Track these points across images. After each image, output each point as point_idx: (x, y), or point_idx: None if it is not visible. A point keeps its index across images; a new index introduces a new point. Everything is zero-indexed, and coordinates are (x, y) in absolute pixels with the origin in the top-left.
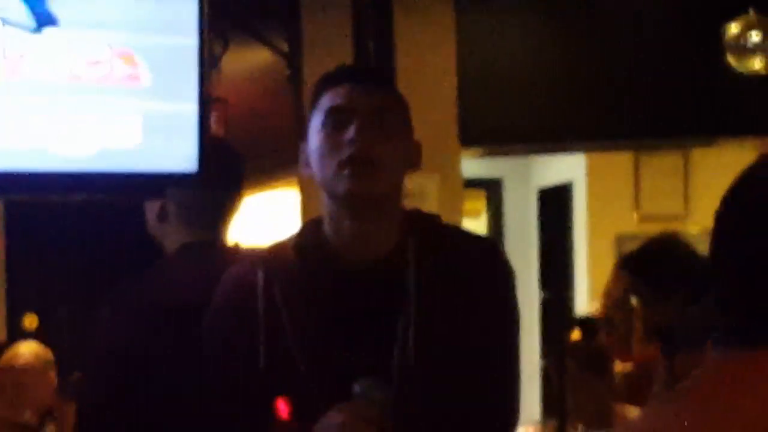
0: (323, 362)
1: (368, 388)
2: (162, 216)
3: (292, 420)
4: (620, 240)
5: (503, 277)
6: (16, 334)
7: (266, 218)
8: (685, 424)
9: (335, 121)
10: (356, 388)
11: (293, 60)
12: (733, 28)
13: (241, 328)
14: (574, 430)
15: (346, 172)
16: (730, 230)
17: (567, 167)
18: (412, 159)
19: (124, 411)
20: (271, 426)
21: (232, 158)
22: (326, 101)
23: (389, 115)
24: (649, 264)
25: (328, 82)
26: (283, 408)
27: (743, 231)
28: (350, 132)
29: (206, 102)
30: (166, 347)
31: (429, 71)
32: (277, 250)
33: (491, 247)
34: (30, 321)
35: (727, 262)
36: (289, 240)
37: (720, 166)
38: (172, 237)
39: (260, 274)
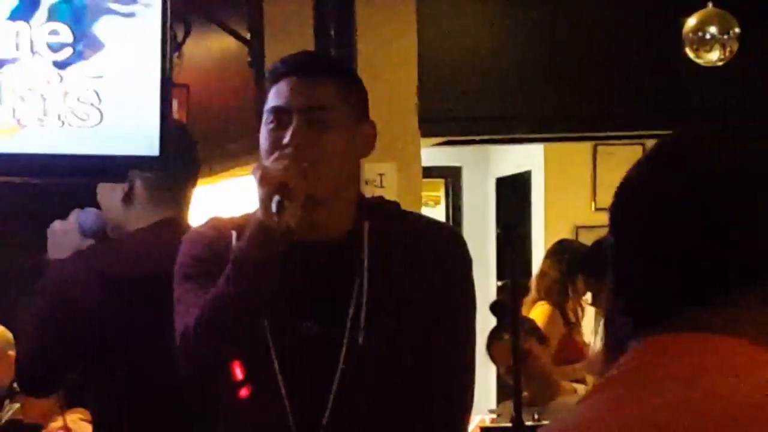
0: (278, 330)
1: None
2: (128, 199)
3: (245, 382)
4: (577, 230)
5: (460, 262)
6: None
7: (228, 204)
8: (616, 412)
9: (276, 120)
10: None
11: (255, 46)
12: (692, 21)
13: (211, 276)
14: (529, 416)
15: None
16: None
17: (525, 157)
18: (359, 147)
19: (57, 355)
20: (224, 386)
21: (188, 139)
22: (271, 98)
23: (328, 112)
24: (601, 261)
25: (272, 76)
26: (237, 369)
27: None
28: (287, 134)
29: (168, 87)
30: (125, 312)
31: (390, 59)
32: (243, 221)
33: (449, 233)
34: None
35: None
36: (254, 214)
37: None
38: (138, 218)
39: (233, 234)
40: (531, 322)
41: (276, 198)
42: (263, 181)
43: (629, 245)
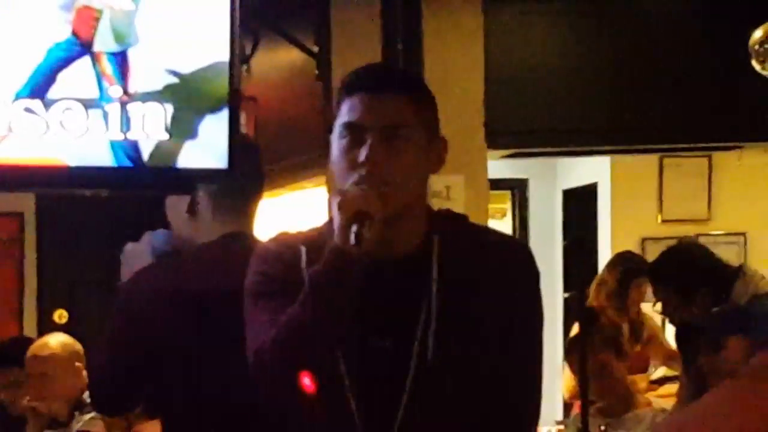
0: (348, 346)
1: None
2: (192, 210)
3: (317, 394)
4: (644, 242)
5: (527, 276)
6: (47, 329)
7: (295, 217)
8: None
9: (350, 136)
10: None
11: (322, 60)
12: (758, 34)
13: (283, 294)
14: (595, 427)
15: None
16: None
17: (592, 169)
18: (432, 163)
19: (132, 374)
20: (296, 398)
21: (253, 151)
22: (343, 112)
23: (403, 129)
24: (669, 270)
25: (345, 89)
26: (308, 382)
27: None
28: (363, 153)
29: (236, 100)
30: (193, 327)
31: (456, 72)
32: (312, 234)
33: (517, 246)
34: (60, 315)
35: None
36: (322, 227)
37: (743, 170)
38: (203, 230)
39: (303, 250)
40: (612, 332)
41: (354, 228)
42: (342, 208)
43: None
